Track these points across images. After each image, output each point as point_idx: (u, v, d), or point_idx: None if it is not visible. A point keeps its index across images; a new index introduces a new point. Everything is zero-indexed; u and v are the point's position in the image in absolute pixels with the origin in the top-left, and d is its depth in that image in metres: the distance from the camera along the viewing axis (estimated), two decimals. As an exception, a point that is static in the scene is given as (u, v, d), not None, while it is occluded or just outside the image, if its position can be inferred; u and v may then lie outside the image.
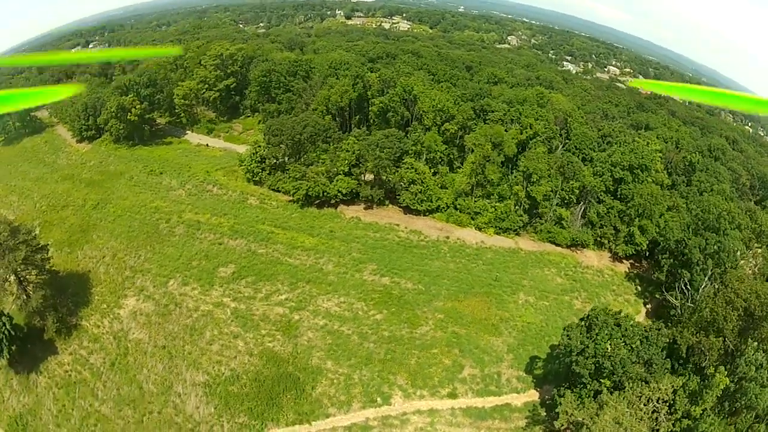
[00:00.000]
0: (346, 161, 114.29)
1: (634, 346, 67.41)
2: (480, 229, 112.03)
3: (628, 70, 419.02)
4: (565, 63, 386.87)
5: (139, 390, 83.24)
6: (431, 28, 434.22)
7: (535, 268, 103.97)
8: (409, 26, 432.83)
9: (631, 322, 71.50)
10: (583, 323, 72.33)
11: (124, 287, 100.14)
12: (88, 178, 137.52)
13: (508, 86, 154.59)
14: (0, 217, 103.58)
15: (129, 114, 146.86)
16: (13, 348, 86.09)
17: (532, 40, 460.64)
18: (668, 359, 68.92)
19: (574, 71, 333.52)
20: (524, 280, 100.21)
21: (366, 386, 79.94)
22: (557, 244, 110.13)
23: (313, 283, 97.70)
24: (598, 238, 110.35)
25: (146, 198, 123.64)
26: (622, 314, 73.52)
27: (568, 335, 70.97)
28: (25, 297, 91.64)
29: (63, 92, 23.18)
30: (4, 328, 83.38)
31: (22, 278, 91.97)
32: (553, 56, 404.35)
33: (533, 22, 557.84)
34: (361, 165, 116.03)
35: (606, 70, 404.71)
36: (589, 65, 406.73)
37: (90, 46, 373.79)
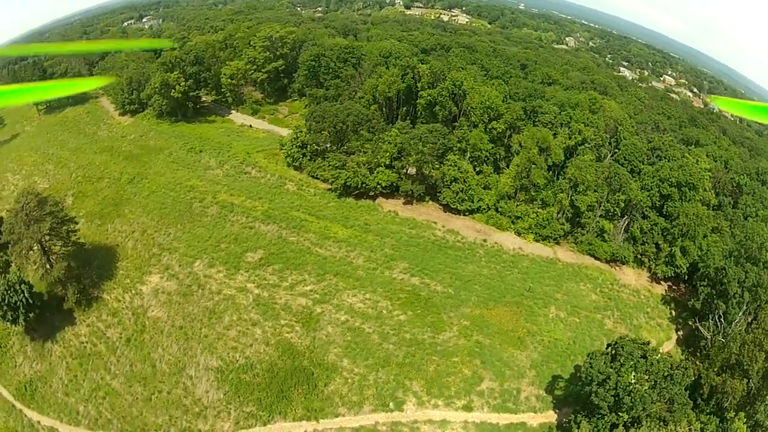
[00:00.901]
0: (388, 153, 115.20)
1: (657, 380, 66.90)
2: (519, 235, 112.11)
3: (683, 81, 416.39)
4: (621, 68, 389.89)
5: (151, 368, 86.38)
6: (490, 23, 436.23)
7: (570, 282, 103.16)
8: (467, 20, 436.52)
9: (658, 356, 70.42)
10: (608, 351, 72.24)
11: (149, 264, 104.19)
12: (127, 152, 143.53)
13: (562, 88, 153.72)
14: (28, 188, 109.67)
15: (173, 91, 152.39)
16: (31, 315, 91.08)
17: (590, 43, 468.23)
18: (691, 395, 68.78)
19: (630, 78, 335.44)
20: (558, 294, 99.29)
21: (380, 389, 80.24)
22: (596, 258, 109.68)
23: (341, 276, 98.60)
24: (639, 256, 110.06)
25: (183, 176, 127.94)
26: (650, 346, 72.98)
27: (590, 363, 70.76)
28: (48, 266, 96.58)
29: (90, 84, 22.95)
30: (22, 296, 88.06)
31: (46, 248, 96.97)
32: (611, 61, 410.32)
33: (592, 24, 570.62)
34: (403, 158, 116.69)
35: (662, 79, 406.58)
36: (645, 73, 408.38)
37: (144, 20, 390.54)
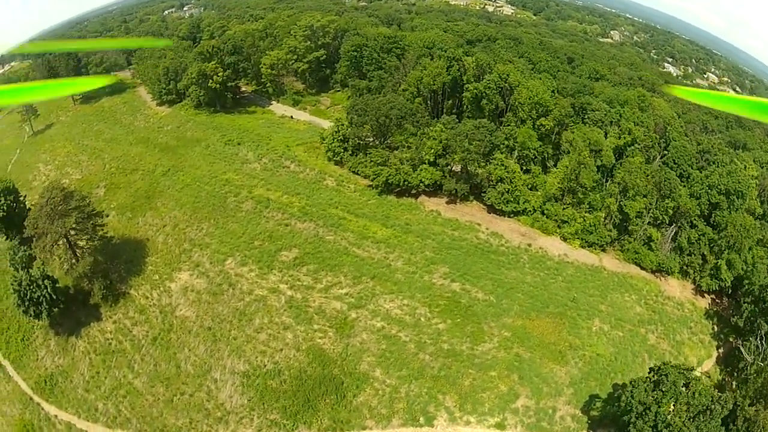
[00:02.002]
0: (432, 150, 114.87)
1: (696, 414, 67.07)
2: (565, 240, 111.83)
3: (726, 79, 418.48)
4: (666, 64, 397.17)
5: (176, 369, 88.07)
6: (535, 14, 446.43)
7: (615, 292, 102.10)
8: (512, 11, 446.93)
9: (700, 386, 70.48)
10: (650, 376, 72.64)
11: (179, 260, 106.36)
12: (163, 143, 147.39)
13: (610, 84, 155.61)
14: (54, 182, 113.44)
15: (210, 81, 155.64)
16: (55, 310, 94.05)
17: (635, 37, 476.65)
18: (725, 422, 68.43)
19: (674, 74, 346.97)
20: (602, 305, 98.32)
21: (411, 402, 79.96)
22: (642, 267, 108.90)
23: (378, 279, 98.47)
24: (685, 267, 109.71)
25: (219, 168, 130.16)
26: (693, 373, 74.21)
27: (632, 393, 70.64)
28: (73, 261, 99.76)
29: (90, 84, 24.02)
30: (45, 291, 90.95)
31: (72, 243, 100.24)
32: (655, 56, 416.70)
33: (635, 18, 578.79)
34: (448, 156, 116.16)
35: (705, 76, 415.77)
36: (689, 69, 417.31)
37: (185, 9, 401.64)
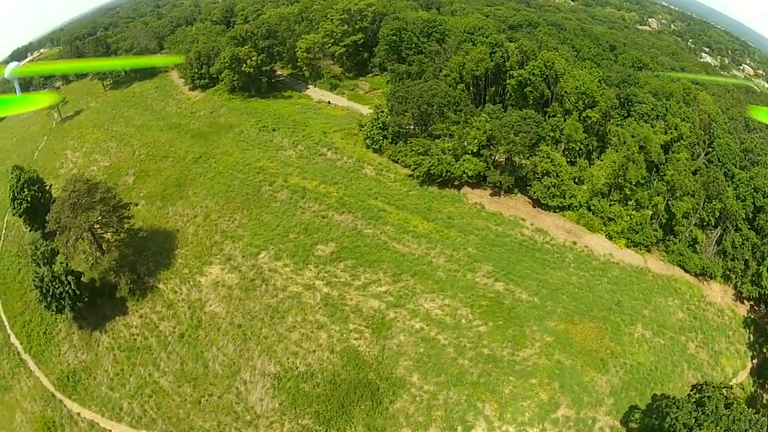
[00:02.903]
0: (476, 140, 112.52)
1: None
2: (611, 238, 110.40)
3: (761, 72, 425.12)
4: (703, 54, 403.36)
5: (203, 369, 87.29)
6: (573, 0, 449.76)
7: (659, 296, 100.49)
8: None
9: (741, 408, 71.59)
10: (692, 395, 73.58)
11: (210, 253, 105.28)
12: (195, 129, 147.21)
13: (653, 74, 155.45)
14: (78, 174, 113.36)
15: (244, 65, 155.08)
16: (79, 305, 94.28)
17: (672, 26, 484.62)
18: None
19: (712, 64, 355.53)
20: (645, 310, 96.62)
21: (449, 410, 78.73)
22: (686, 270, 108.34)
23: (419, 277, 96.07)
24: (727, 271, 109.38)
25: (252, 156, 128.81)
26: (733, 392, 76.78)
27: (677, 416, 70.99)
28: (98, 254, 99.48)
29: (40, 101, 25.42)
30: (68, 287, 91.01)
31: (97, 237, 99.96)
32: (692, 45, 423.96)
33: (672, 6, 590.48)
34: (492, 147, 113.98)
35: (741, 68, 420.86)
36: (726, 60, 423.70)
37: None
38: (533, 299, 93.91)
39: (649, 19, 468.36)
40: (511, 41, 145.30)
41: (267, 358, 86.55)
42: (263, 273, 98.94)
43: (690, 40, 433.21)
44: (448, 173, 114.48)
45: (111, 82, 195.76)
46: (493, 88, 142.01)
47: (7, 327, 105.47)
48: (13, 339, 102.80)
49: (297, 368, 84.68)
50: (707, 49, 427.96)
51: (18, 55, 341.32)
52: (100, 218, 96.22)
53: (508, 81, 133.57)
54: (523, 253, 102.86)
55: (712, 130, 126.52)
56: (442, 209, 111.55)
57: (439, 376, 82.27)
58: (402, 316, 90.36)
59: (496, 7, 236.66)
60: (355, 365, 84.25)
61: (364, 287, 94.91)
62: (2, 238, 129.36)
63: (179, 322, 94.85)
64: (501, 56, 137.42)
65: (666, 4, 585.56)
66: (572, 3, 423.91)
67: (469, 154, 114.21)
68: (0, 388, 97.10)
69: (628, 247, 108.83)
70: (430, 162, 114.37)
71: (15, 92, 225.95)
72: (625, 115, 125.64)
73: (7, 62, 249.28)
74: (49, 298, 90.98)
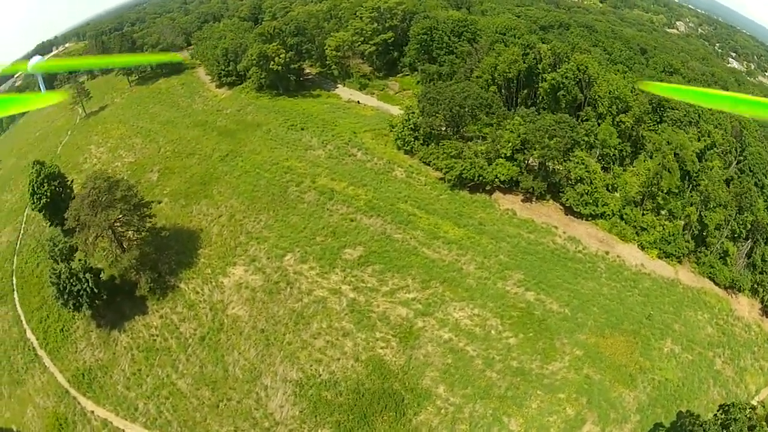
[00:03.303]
0: (510, 144, 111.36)
1: None
2: (643, 249, 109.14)
3: None
4: (730, 59, 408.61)
5: (223, 372, 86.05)
6: (601, 1, 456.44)
7: (689, 310, 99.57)
8: None
9: (765, 429, 72.63)
10: (719, 417, 72.46)
11: (234, 254, 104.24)
12: (221, 127, 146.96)
13: (684, 80, 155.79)
14: (98, 171, 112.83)
15: (272, 62, 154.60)
16: (97, 302, 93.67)
17: (699, 29, 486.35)
18: None
19: (739, 69, 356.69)
20: (676, 324, 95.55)
21: (474, 424, 77.60)
22: (716, 283, 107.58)
23: (449, 284, 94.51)
24: (756, 285, 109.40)
25: (280, 155, 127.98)
26: (756, 413, 76.81)
27: None
28: (119, 252, 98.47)
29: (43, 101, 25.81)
30: (86, 285, 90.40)
31: (118, 234, 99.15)
32: (720, 50, 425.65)
33: (699, 9, 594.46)
34: (526, 151, 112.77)
35: (767, 74, 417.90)
36: (752, 66, 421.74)
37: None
38: (564, 310, 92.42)
39: (677, 23, 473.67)
40: (543, 42, 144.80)
41: (289, 364, 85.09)
42: (288, 276, 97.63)
43: (717, 45, 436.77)
44: (481, 177, 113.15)
45: (137, 77, 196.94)
46: (525, 91, 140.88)
47: (24, 322, 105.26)
48: (29, 334, 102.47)
49: (320, 376, 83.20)
50: (734, 54, 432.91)
51: (42, 49, 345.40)
52: (120, 216, 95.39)
53: (540, 84, 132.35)
54: (555, 262, 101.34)
55: (743, 138, 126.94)
56: (474, 215, 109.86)
57: (466, 388, 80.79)
58: (430, 325, 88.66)
59: (526, 7, 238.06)
60: (380, 375, 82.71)
61: (392, 293, 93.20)
62: (22, 232, 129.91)
63: (200, 324, 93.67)
64: (533, 58, 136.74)
65: (692, 7, 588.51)
66: (601, 5, 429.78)
67: (502, 157, 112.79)
68: (13, 382, 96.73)
69: (659, 257, 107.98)
70: (462, 165, 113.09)
71: (39, 87, 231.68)
72: (658, 120, 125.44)
73: (31, 57, 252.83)
74: (65, 296, 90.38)
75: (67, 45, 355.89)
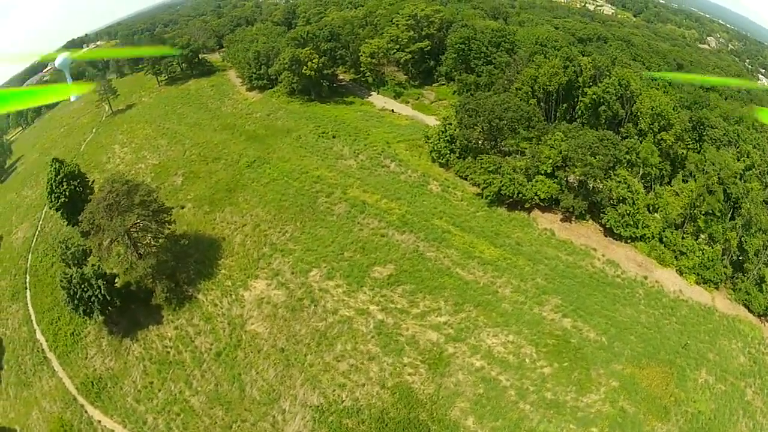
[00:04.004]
0: (551, 160, 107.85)
1: None
2: (681, 274, 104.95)
3: None
4: (759, 75, 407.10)
5: (239, 392, 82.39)
6: (635, 16, 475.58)
7: (724, 338, 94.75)
8: (612, 11, 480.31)
9: None
10: None
11: (257, 266, 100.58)
12: (250, 131, 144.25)
13: (722, 97, 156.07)
14: (116, 174, 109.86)
15: (304, 67, 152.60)
16: (110, 309, 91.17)
17: (729, 45, 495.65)
18: None
19: None
20: (710, 353, 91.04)
21: None
22: (750, 310, 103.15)
23: (483, 308, 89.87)
24: None
25: (310, 163, 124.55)
26: None
27: None
28: (135, 258, 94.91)
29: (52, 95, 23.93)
30: (98, 291, 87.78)
31: (135, 240, 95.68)
32: (749, 66, 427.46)
33: (728, 25, 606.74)
34: (568, 168, 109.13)
35: None
36: None
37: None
38: (601, 339, 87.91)
39: (708, 38, 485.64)
40: (584, 55, 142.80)
41: (310, 388, 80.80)
42: (313, 292, 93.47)
43: (747, 60, 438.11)
44: (519, 194, 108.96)
45: (166, 77, 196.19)
46: (564, 105, 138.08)
47: (34, 322, 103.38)
48: (38, 335, 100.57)
49: (342, 402, 78.84)
50: (762, 70, 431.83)
51: (73, 46, 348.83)
52: (137, 222, 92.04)
53: (581, 98, 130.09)
54: (594, 287, 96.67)
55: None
56: (511, 234, 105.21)
57: (497, 420, 76.15)
58: (462, 351, 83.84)
59: (564, 19, 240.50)
60: (406, 403, 78.07)
61: (423, 316, 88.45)
62: (39, 229, 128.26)
63: (217, 339, 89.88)
64: (573, 71, 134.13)
65: (722, 22, 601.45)
66: (634, 19, 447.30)
67: (542, 174, 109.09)
68: (20, 383, 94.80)
69: (697, 283, 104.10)
70: (501, 181, 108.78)
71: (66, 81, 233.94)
72: (697, 138, 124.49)
73: (60, 52, 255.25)
74: (76, 301, 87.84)
75: (98, 43, 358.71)
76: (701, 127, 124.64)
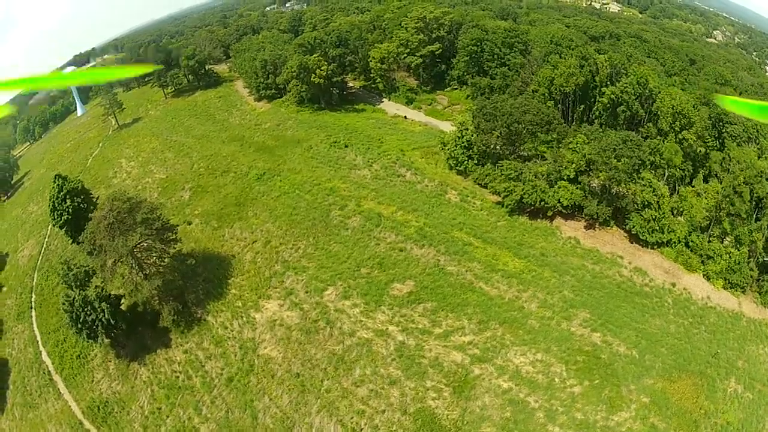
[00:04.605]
0: (574, 165, 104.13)
1: None
2: (708, 279, 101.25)
3: None
4: (767, 68, 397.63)
5: (251, 420, 78.33)
6: (641, 12, 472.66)
7: (752, 344, 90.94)
8: (619, 8, 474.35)
9: None
10: None
11: (269, 286, 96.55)
12: (259, 142, 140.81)
13: (736, 91, 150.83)
14: (118, 191, 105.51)
15: (313, 75, 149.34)
16: (115, 332, 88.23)
17: (735, 38, 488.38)
18: None
19: None
20: (739, 360, 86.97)
21: None
22: None
23: (509, 326, 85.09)
24: None
25: (322, 174, 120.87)
26: None
27: None
28: (140, 279, 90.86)
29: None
30: (102, 315, 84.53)
31: (139, 260, 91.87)
32: (757, 59, 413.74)
33: (732, 18, 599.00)
34: (592, 173, 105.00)
35: None
36: None
37: (287, 5, 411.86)
38: (632, 353, 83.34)
39: (714, 32, 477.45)
40: (600, 53, 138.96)
41: (327, 415, 76.23)
42: (329, 313, 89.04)
43: (754, 53, 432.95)
44: (542, 202, 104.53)
45: (172, 90, 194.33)
46: (582, 106, 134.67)
47: (40, 343, 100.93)
48: (44, 356, 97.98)
49: (361, 430, 74.30)
50: None
51: (79, 60, 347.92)
52: (141, 242, 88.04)
53: (598, 99, 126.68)
54: (622, 298, 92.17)
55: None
56: (535, 244, 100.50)
57: (524, 446, 71.33)
58: (488, 373, 78.85)
59: (574, 18, 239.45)
60: (429, 430, 73.44)
61: (446, 336, 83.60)
62: (44, 247, 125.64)
63: (228, 364, 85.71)
64: (589, 70, 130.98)
65: (727, 16, 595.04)
66: (641, 15, 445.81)
67: (564, 180, 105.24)
68: (26, 404, 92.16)
69: (724, 288, 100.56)
70: (523, 189, 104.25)
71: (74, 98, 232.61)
72: (716, 136, 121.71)
73: (65, 67, 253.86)
74: (79, 324, 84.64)
75: (105, 56, 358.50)
76: (720, 123, 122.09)
